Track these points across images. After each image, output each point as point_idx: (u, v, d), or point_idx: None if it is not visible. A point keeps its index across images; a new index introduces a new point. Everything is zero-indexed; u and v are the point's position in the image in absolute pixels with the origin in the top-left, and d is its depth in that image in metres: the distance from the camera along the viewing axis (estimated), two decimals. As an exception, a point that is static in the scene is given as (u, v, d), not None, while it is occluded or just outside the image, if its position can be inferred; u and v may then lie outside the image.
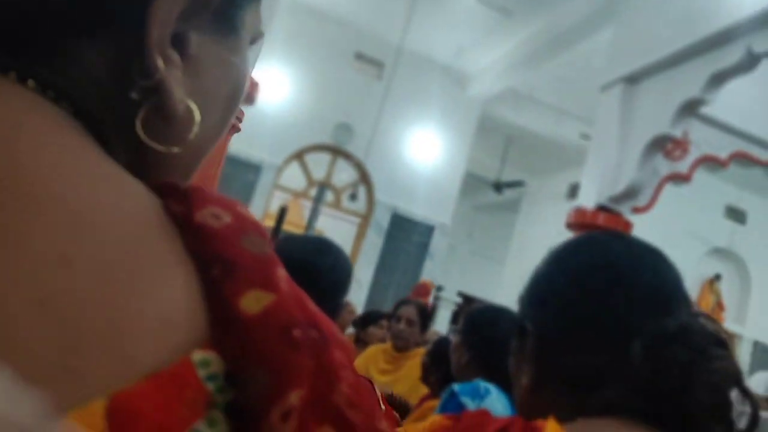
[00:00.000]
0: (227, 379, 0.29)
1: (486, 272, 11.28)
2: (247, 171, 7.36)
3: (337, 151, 7.94)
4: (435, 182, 8.23)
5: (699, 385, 0.56)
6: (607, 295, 0.64)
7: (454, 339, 2.12)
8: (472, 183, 10.14)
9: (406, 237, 8.15)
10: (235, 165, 6.99)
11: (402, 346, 3.11)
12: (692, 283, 8.27)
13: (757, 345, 8.35)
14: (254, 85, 4.74)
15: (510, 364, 0.72)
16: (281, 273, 0.32)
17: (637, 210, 5.85)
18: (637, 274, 0.65)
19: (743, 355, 8.41)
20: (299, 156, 7.82)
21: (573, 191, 7.54)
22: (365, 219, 8.13)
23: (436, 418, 0.61)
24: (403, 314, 3.15)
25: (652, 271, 0.65)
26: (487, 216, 12.27)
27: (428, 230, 8.26)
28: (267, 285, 0.31)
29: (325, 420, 0.31)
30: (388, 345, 3.26)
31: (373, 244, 8.03)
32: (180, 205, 0.32)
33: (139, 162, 0.34)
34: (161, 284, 0.29)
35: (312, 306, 0.34)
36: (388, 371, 3.11)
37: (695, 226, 8.01)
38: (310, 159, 7.93)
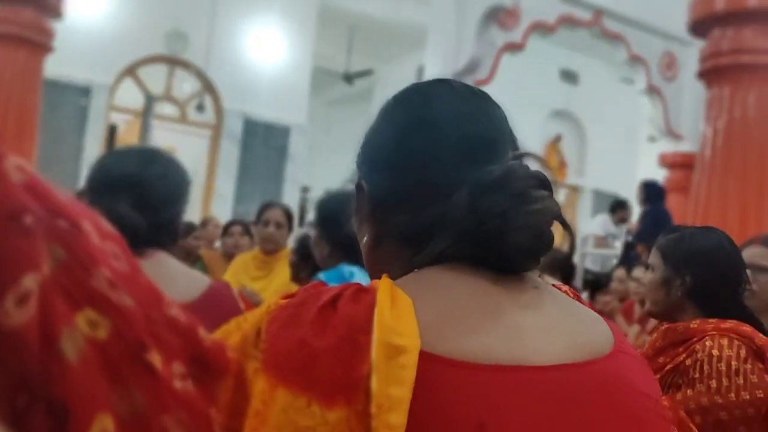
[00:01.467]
0: None
1: (348, 167, 11.37)
2: (76, 95, 6.71)
3: (173, 62, 7.42)
4: (283, 81, 7.99)
5: (517, 229, 0.57)
6: (432, 148, 0.63)
7: (313, 233, 2.14)
8: (321, 78, 9.96)
9: (263, 142, 7.96)
10: (60, 90, 6.34)
11: (271, 249, 3.10)
12: (538, 145, 8.88)
13: (595, 193, 9.25)
14: (59, -4, 4.24)
15: (353, 223, 0.71)
16: (11, 163, 0.32)
17: (479, 83, 6.07)
18: (460, 123, 0.64)
19: (585, 202, 9.30)
20: (131, 71, 7.23)
21: (421, 73, 7.65)
22: (216, 129, 7.81)
23: (273, 300, 0.61)
24: (271, 218, 3.11)
25: (476, 118, 0.65)
26: (341, 110, 12.22)
27: (284, 132, 8.10)
28: None
29: (85, 304, 0.31)
30: (255, 251, 3.25)
31: (229, 154, 7.77)
32: None
33: None
34: None
35: (62, 199, 0.34)
36: (260, 276, 3.11)
37: (535, 91, 8.47)
38: (145, 73, 7.36)
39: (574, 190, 9.43)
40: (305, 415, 0.49)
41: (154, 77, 7.40)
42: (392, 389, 0.48)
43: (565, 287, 2.08)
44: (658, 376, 1.41)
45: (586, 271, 5.67)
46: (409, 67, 9.42)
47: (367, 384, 0.48)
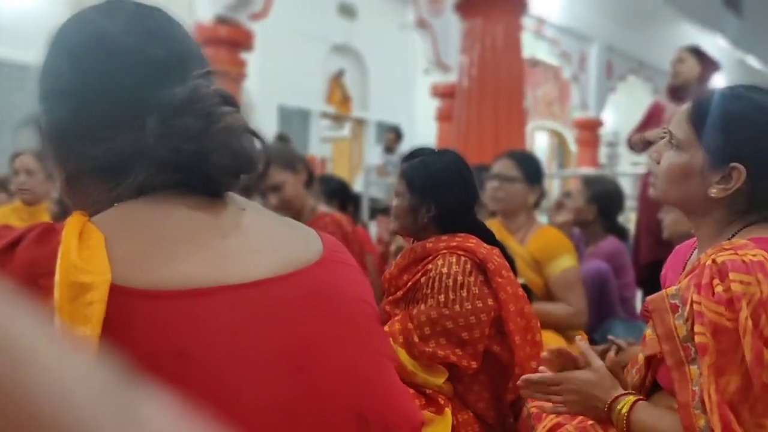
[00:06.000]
0: None
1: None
2: None
3: None
4: (36, 15, 7.03)
5: (212, 150, 0.57)
6: (110, 72, 0.59)
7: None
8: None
9: (18, 86, 7.02)
10: None
11: (31, 200, 2.93)
12: (321, 81, 8.92)
13: (378, 124, 9.62)
14: None
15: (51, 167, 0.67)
16: None
17: (255, 17, 5.89)
18: (138, 42, 0.60)
19: (370, 134, 9.65)
20: None
21: (192, 10, 7.16)
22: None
23: None
24: (20, 166, 2.92)
25: (155, 37, 0.61)
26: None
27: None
28: None
29: None
30: (17, 203, 3.02)
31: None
32: None
33: None
34: None
35: None
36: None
37: (314, 26, 8.42)
38: None
39: (359, 123, 9.71)
40: None
41: None
42: (78, 329, 0.46)
43: (338, 215, 2.12)
44: (402, 293, 1.55)
45: (372, 200, 5.93)
46: (180, 4, 8.82)
47: None
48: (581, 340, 1.18)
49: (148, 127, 0.57)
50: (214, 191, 0.60)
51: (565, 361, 1.12)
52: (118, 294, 0.48)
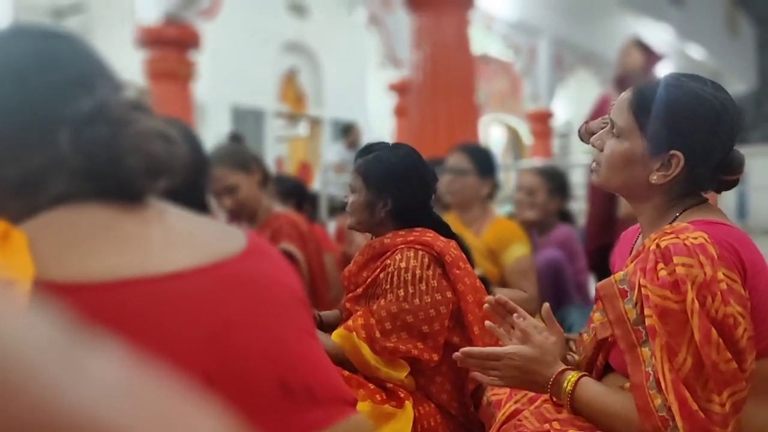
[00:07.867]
0: None
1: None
2: None
3: None
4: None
5: (126, 155, 0.59)
6: (17, 93, 0.61)
7: None
8: (27, 14, 8.66)
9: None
10: None
11: None
12: (274, 79, 8.84)
13: (334, 122, 9.58)
14: None
15: None
16: None
17: (204, 14, 5.82)
18: (42, 64, 0.63)
19: (326, 133, 9.61)
20: None
21: (133, 8, 7.00)
22: None
23: None
24: None
25: (59, 56, 0.64)
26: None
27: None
28: None
29: None
30: None
31: None
32: None
33: None
34: None
35: None
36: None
37: (264, 25, 8.33)
38: None
39: (315, 121, 9.66)
40: None
41: None
42: None
43: (294, 215, 2.10)
44: (362, 289, 1.55)
45: (331, 198, 5.91)
46: (125, 3, 8.61)
47: None
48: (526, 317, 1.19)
49: (62, 140, 0.58)
50: (133, 196, 0.61)
51: (504, 310, 1.18)
52: (41, 289, 0.49)
